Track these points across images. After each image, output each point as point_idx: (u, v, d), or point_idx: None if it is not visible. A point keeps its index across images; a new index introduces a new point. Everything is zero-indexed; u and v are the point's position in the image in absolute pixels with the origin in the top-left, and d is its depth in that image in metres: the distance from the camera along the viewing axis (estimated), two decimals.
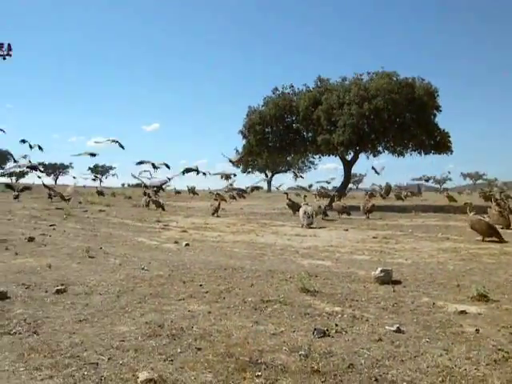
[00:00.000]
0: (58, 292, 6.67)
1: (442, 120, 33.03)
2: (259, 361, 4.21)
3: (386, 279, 7.57)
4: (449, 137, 31.00)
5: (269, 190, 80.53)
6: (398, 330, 5.08)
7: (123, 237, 14.03)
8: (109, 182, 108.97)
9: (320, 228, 17.55)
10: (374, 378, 3.90)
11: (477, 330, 5.14)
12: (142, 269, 8.58)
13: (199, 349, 4.50)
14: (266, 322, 5.39)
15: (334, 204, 23.90)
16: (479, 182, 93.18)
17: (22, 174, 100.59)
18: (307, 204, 19.03)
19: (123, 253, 10.58)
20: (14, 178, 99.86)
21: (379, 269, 7.74)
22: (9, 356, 4.28)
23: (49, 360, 4.19)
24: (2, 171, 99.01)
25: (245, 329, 5.13)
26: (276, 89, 33.40)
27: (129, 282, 7.48)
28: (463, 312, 5.86)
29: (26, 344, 4.58)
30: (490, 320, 5.58)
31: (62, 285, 7.00)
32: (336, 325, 5.29)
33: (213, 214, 23.29)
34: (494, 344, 4.73)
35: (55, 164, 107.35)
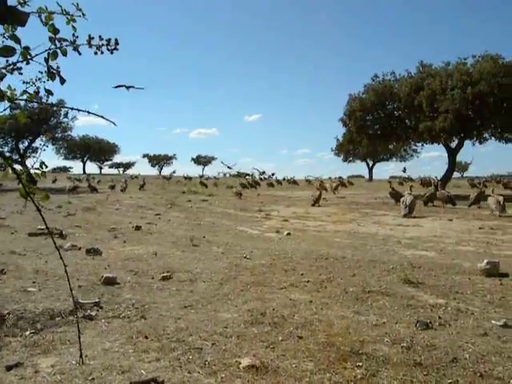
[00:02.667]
0: (164, 279, 6.90)
1: None
2: (360, 351, 4.19)
3: (493, 272, 7.32)
4: None
5: (370, 178, 79.56)
6: (505, 325, 4.91)
7: (225, 226, 14.30)
8: (209, 171, 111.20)
9: (423, 218, 17.15)
10: (478, 374, 3.78)
11: None
12: (245, 257, 8.73)
13: (300, 337, 4.53)
14: (367, 313, 5.36)
15: (438, 193, 23.21)
16: None
17: (128, 165, 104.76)
18: (410, 193, 18.59)
19: (226, 241, 10.79)
20: (121, 170, 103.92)
21: (485, 261, 7.50)
22: (119, 338, 4.48)
23: (156, 343, 4.35)
24: (111, 163, 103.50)
25: (346, 319, 5.12)
26: (376, 76, 32.92)
27: (231, 270, 7.63)
28: None
29: (135, 328, 4.77)
30: None
31: (168, 272, 7.23)
32: (439, 317, 5.18)
33: (314, 203, 23.21)
34: None
35: (159, 155, 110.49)
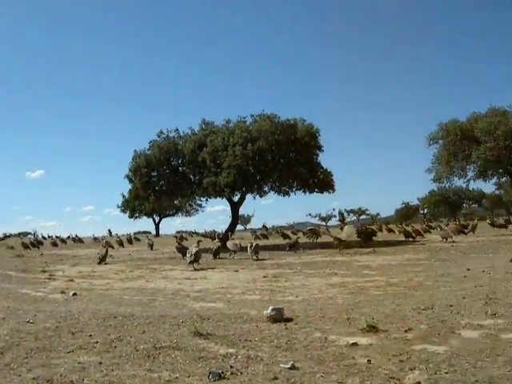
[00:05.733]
0: None
1: (325, 159, 34.46)
2: None
3: (278, 317, 7.64)
4: (331, 176, 32.26)
5: (157, 234, 79.65)
6: (293, 367, 5.12)
7: (6, 289, 13.36)
8: None
9: (210, 270, 17.53)
10: None
11: (368, 361, 5.29)
12: (28, 322, 8.18)
13: None
14: (159, 369, 5.28)
15: (228, 244, 24.16)
16: (363, 217, 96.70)
17: None
18: (197, 246, 18.99)
19: (6, 306, 10.07)
20: None
21: (270, 307, 7.80)
22: None
23: None
24: None
25: (138, 378, 5.00)
26: (161, 132, 33.47)
27: (13, 336, 7.11)
28: (355, 344, 6.03)
29: None
30: (381, 350, 5.76)
31: None
32: (231, 366, 5.26)
33: (100, 261, 22.60)
34: (385, 373, 4.89)
35: None
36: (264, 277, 14.57)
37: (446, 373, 4.80)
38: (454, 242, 25.87)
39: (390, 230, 39.28)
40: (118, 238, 43.84)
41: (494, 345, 5.71)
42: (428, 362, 5.20)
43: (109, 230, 66.77)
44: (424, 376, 4.70)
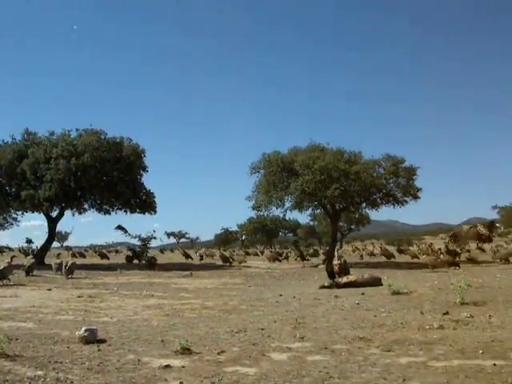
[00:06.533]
0: None
1: (149, 180, 34.37)
2: None
3: (91, 339, 7.52)
4: (154, 197, 32.30)
5: None
6: None
7: None
8: None
9: (21, 287, 16.77)
10: None
11: (181, 383, 5.39)
12: None
13: None
14: None
15: (52, 262, 23.54)
16: (182, 240, 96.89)
17: None
18: (9, 262, 18.16)
19: None
20: None
21: (83, 328, 7.68)
22: None
23: None
24: None
25: None
26: None
27: None
28: (168, 366, 6.10)
29: None
30: (193, 372, 5.89)
31: None
32: None
33: None
34: None
35: None
36: (79, 296, 14.22)
37: None
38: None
39: (208, 255, 40.12)
40: None
41: (300, 366, 6.07)
42: (238, 383, 5.41)
43: None
44: None
